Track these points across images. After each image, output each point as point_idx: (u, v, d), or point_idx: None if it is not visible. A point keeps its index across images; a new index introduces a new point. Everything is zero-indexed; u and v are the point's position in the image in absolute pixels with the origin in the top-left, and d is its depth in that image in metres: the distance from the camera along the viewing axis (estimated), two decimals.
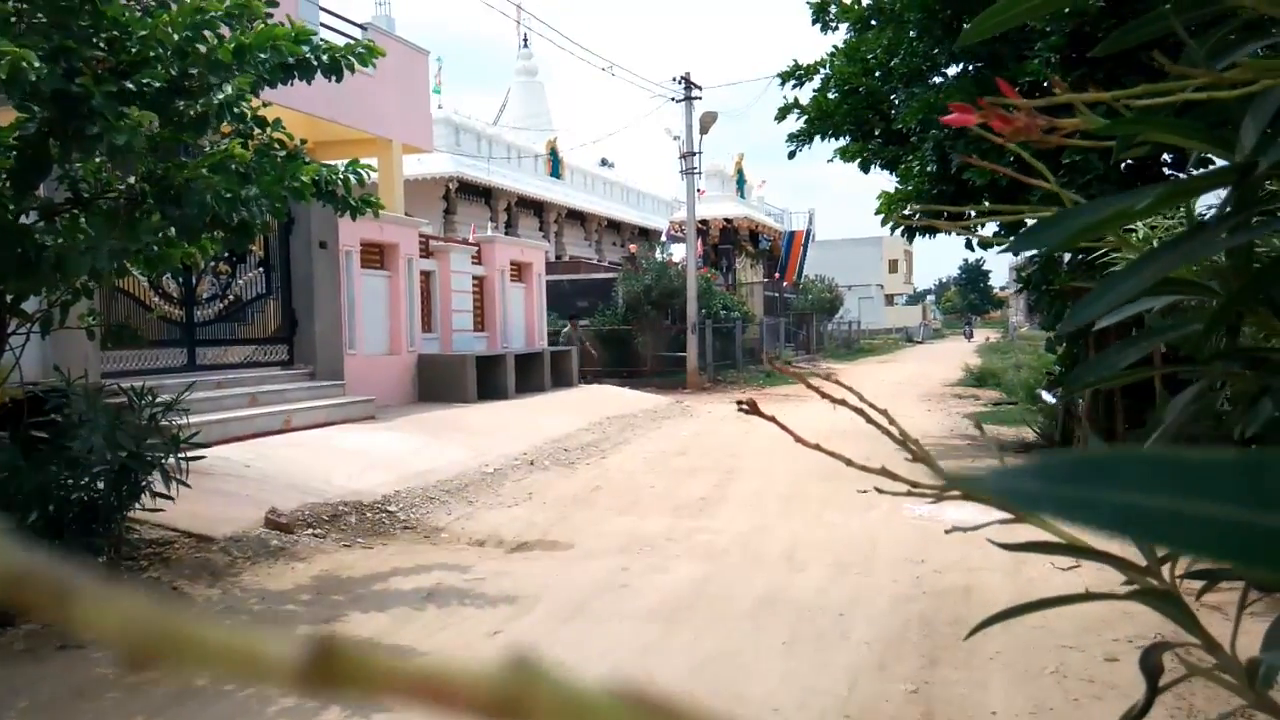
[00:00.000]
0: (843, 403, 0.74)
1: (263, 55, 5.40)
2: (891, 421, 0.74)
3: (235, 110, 5.43)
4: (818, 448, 0.75)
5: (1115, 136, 0.73)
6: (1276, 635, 0.78)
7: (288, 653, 0.23)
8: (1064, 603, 0.80)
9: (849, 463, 0.76)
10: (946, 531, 0.86)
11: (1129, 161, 8.99)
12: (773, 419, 0.77)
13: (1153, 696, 0.79)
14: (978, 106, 0.69)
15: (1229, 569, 0.87)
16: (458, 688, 0.23)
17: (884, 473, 0.72)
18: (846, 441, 0.95)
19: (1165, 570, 0.76)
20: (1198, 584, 0.95)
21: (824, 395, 0.75)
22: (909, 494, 0.72)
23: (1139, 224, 2.53)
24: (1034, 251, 11.68)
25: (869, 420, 0.73)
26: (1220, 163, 0.79)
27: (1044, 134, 0.69)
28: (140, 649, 0.22)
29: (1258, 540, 0.27)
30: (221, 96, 5.26)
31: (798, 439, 0.77)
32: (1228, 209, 0.73)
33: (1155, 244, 2.43)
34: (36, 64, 4.41)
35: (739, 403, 0.81)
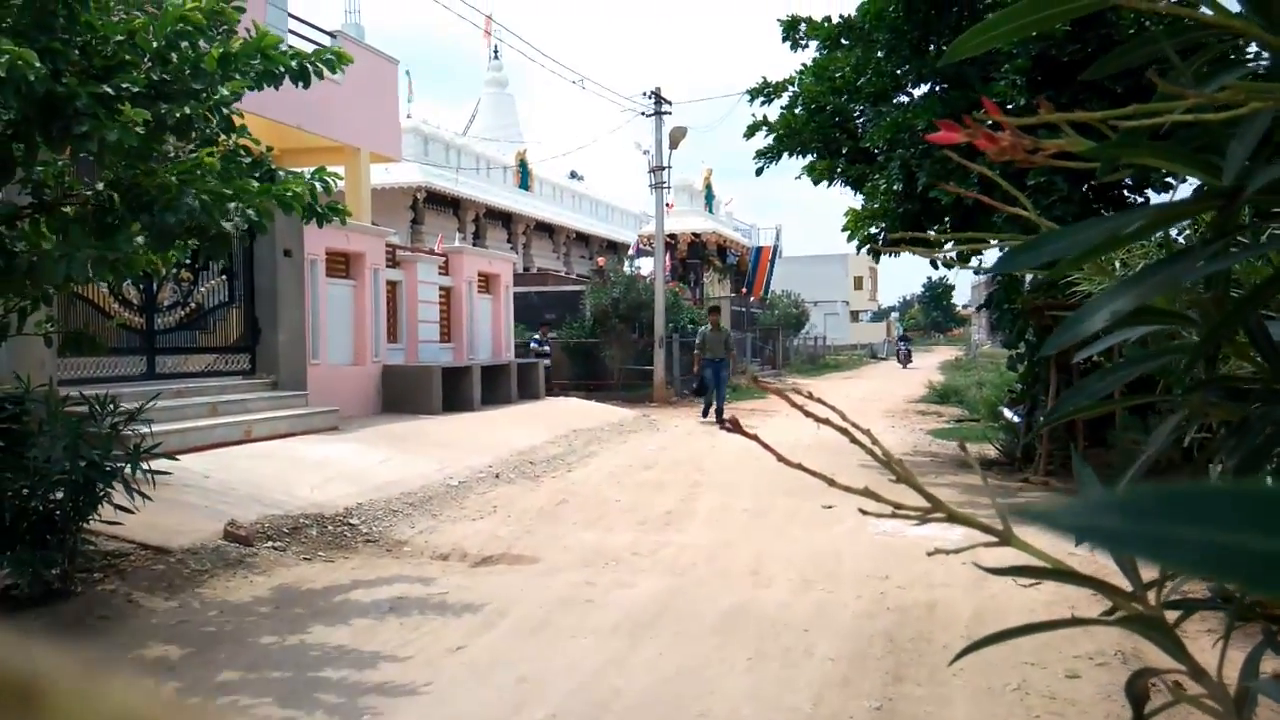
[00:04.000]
0: (827, 422, 0.73)
1: (253, 62, 5.38)
2: (875, 441, 0.73)
3: (225, 112, 5.41)
4: (800, 467, 0.74)
5: (1097, 158, 0.73)
6: (1254, 664, 0.78)
7: None
8: (1054, 627, 0.79)
9: (832, 483, 0.75)
10: (929, 554, 0.85)
11: (1091, 183, 9.14)
12: (754, 437, 0.76)
13: None
14: (964, 125, 0.69)
15: (1209, 599, 0.87)
16: None
17: (867, 494, 0.72)
18: (812, 455, 0.94)
19: (1150, 596, 0.76)
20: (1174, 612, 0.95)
21: (808, 414, 0.74)
22: (893, 515, 0.71)
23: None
24: (993, 272, 11.84)
25: (853, 440, 0.73)
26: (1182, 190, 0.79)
27: (1029, 154, 0.69)
28: None
29: None
30: (217, 97, 5.25)
31: (780, 458, 0.76)
32: (1206, 235, 0.73)
33: (1118, 265, 2.46)
34: (36, 64, 4.36)
35: (722, 423, 0.80)
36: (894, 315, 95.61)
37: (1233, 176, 0.65)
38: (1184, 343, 0.93)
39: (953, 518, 0.66)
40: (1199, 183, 0.76)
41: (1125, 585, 0.78)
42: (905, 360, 43.14)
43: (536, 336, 21.55)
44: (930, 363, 43.01)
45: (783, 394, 0.79)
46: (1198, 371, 0.89)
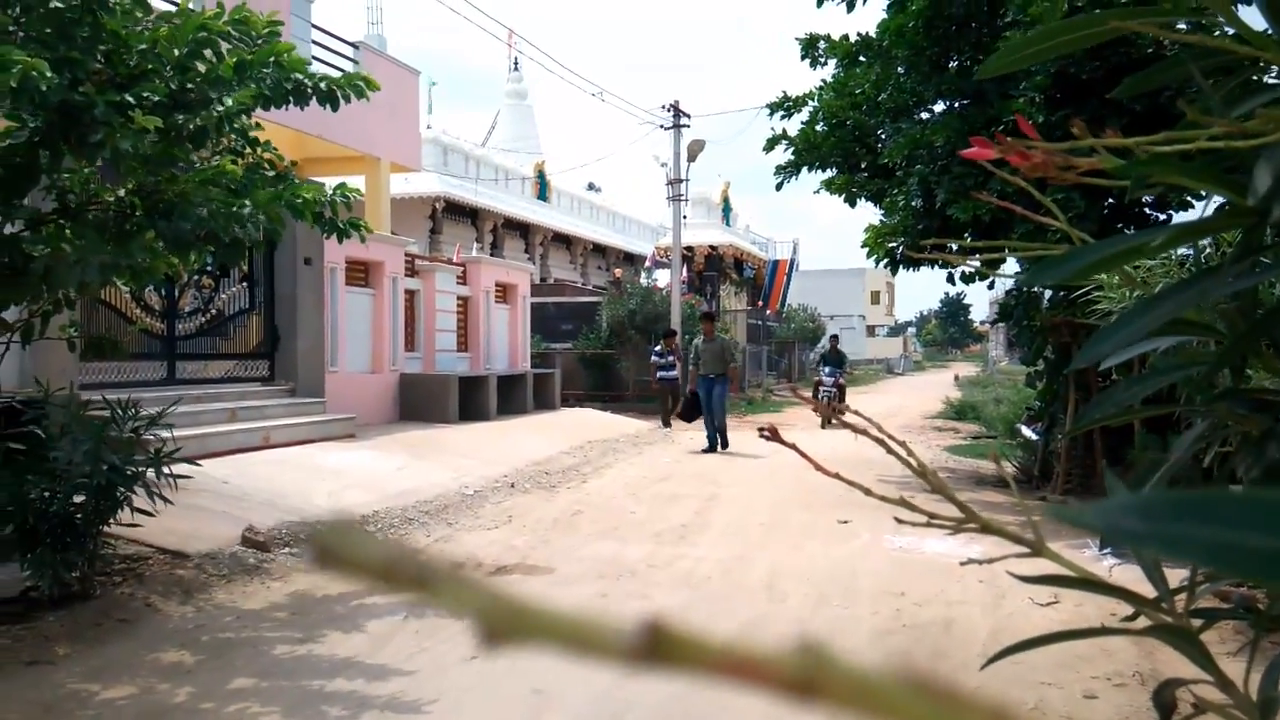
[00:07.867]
0: (864, 433, 0.75)
1: (265, 70, 5.42)
2: (910, 453, 0.75)
3: (234, 125, 5.44)
4: (839, 477, 0.76)
5: (1128, 176, 0.75)
6: (1275, 673, 0.79)
7: (621, 633, 0.27)
8: (1083, 635, 0.81)
9: (868, 492, 0.77)
10: (962, 564, 0.86)
11: (1109, 201, 9.12)
12: (794, 446, 0.78)
13: None
14: (995, 141, 0.71)
15: (1232, 608, 0.88)
16: (763, 667, 0.28)
17: (903, 503, 0.73)
18: (831, 468, 0.95)
19: (1178, 603, 0.77)
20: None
21: (846, 425, 0.76)
22: (928, 525, 0.73)
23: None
24: (1010, 286, 11.77)
25: (889, 451, 0.75)
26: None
27: (1060, 171, 0.71)
28: (495, 627, 0.27)
29: None
30: (222, 109, 5.28)
31: (818, 468, 0.77)
32: (1235, 253, 0.75)
33: (1142, 280, 2.47)
34: (48, 74, 4.42)
35: (760, 429, 0.82)
36: (910, 330, 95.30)
37: (1259, 198, 0.67)
38: (1211, 352, 0.94)
39: (986, 528, 0.68)
40: (1222, 200, 0.78)
41: (1150, 596, 0.79)
42: (833, 405, 13.55)
43: (658, 349, 17.28)
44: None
45: (818, 404, 0.80)
46: (1223, 379, 0.91)
